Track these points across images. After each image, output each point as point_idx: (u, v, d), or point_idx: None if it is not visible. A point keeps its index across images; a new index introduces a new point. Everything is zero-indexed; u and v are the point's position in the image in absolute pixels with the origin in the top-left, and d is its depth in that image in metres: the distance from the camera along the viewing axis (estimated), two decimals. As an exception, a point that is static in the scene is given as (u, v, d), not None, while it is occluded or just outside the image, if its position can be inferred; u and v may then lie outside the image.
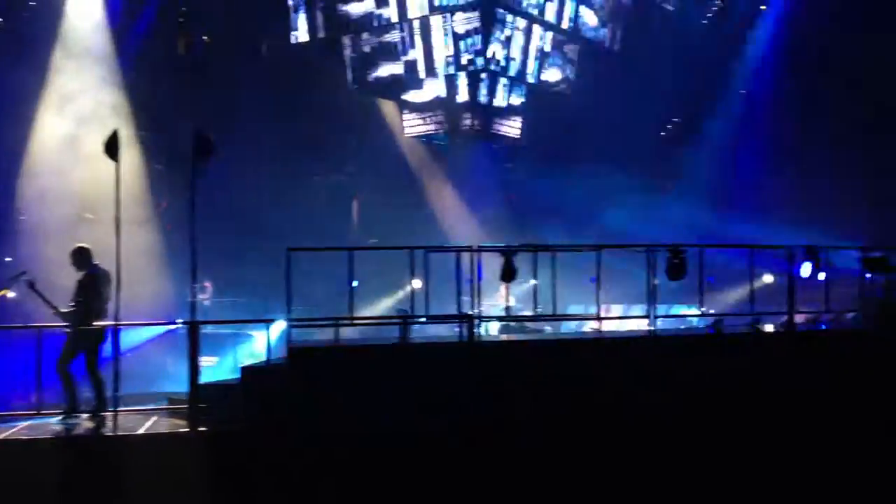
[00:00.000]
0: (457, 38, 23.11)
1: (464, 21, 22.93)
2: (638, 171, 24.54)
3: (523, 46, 23.78)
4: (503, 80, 24.06)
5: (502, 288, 13.49)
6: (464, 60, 23.24)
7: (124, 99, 19.78)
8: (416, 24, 23.66)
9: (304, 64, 24.77)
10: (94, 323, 10.25)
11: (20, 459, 8.90)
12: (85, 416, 10.19)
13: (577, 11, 24.73)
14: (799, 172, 21.48)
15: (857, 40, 20.72)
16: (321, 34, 24.88)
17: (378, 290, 22.00)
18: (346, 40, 24.79)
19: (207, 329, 15.77)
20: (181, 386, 10.35)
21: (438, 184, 26.34)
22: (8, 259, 17.64)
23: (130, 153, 18.49)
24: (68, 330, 10.23)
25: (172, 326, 15.83)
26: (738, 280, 16.46)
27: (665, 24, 26.13)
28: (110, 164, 9.96)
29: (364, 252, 12.38)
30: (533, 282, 12.06)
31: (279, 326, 10.94)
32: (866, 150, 20.93)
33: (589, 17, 25.10)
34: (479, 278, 11.56)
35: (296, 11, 24.98)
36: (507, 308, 12.79)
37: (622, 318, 12.73)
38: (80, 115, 18.84)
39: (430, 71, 23.92)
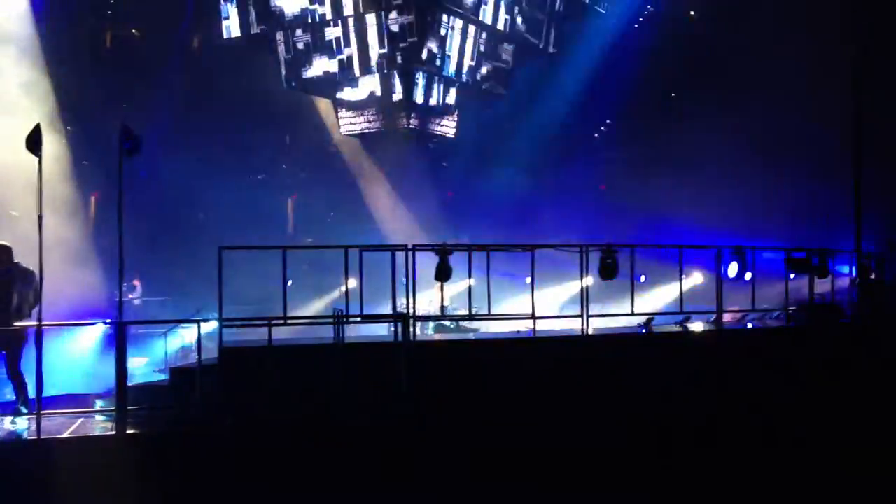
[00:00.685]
0: (392, 36, 23.04)
1: (399, 19, 22.88)
2: (571, 170, 24.86)
3: (459, 46, 23.84)
4: (439, 79, 24.09)
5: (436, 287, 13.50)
6: (399, 59, 23.19)
7: (49, 92, 19.18)
8: (350, 21, 23.52)
9: (236, 60, 24.43)
10: (15, 323, 9.93)
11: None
12: (7, 419, 9.87)
13: (512, 13, 24.89)
14: (725, 175, 21.93)
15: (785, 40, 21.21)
16: (254, 29, 24.54)
17: (313, 289, 21.88)
18: (280, 36, 24.50)
19: (137, 329, 15.54)
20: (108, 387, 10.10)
21: (375, 182, 26.27)
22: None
23: (54, 148, 17.99)
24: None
25: (101, 327, 15.47)
26: (669, 279, 16.76)
27: (599, 26, 26.48)
28: (33, 158, 9.65)
29: (299, 251, 12.27)
30: (471, 282, 12.10)
31: (210, 326, 10.76)
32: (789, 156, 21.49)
33: (524, 19, 25.27)
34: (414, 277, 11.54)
35: (227, 4, 24.59)
36: (443, 308, 12.80)
37: (556, 318, 12.82)
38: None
39: (366, 69, 23.80)
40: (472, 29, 23.97)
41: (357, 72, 23.91)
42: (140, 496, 8.88)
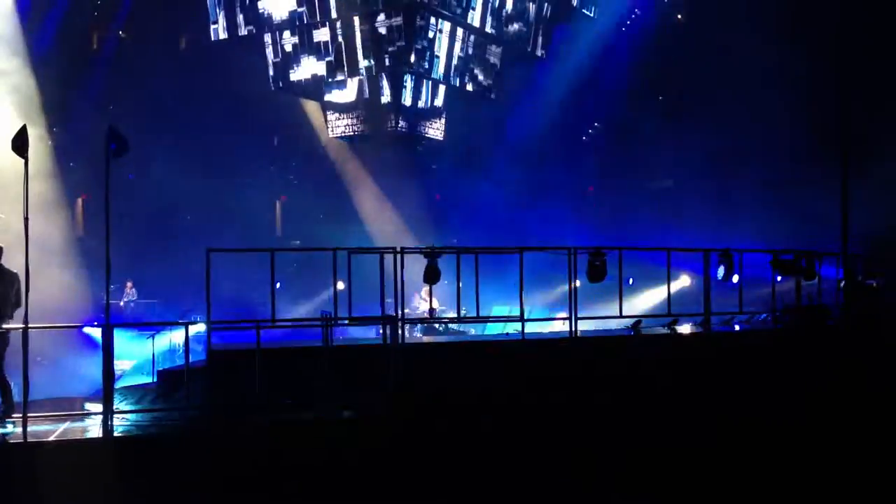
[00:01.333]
0: (380, 39, 23.01)
1: (388, 22, 22.85)
2: (559, 173, 24.91)
3: (447, 48, 23.84)
4: (427, 82, 24.08)
5: (425, 290, 13.50)
6: (387, 62, 23.17)
7: (35, 93, 19.07)
8: (338, 23, 23.48)
9: (223, 62, 24.36)
10: (2, 326, 9.85)
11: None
12: (-8, 422, 9.78)
13: (500, 16, 24.92)
14: (718, 178, 22.05)
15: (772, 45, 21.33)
16: (241, 31, 24.48)
17: (302, 291, 21.82)
18: (267, 38, 24.44)
19: (124, 331, 15.46)
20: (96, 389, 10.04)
21: (363, 184, 26.24)
22: None
23: (41, 150, 17.88)
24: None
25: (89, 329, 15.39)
26: (657, 281, 16.79)
27: (587, 29, 26.56)
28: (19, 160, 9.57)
29: (287, 253, 12.24)
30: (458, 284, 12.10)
31: (198, 329, 10.71)
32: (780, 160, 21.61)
33: (512, 22, 25.30)
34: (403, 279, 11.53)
35: (215, 8, 24.52)
36: (431, 310, 12.78)
37: (544, 320, 12.84)
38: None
39: (354, 71, 23.77)
40: (459, 32, 23.98)
41: (345, 74, 23.87)
42: (127, 499, 8.82)
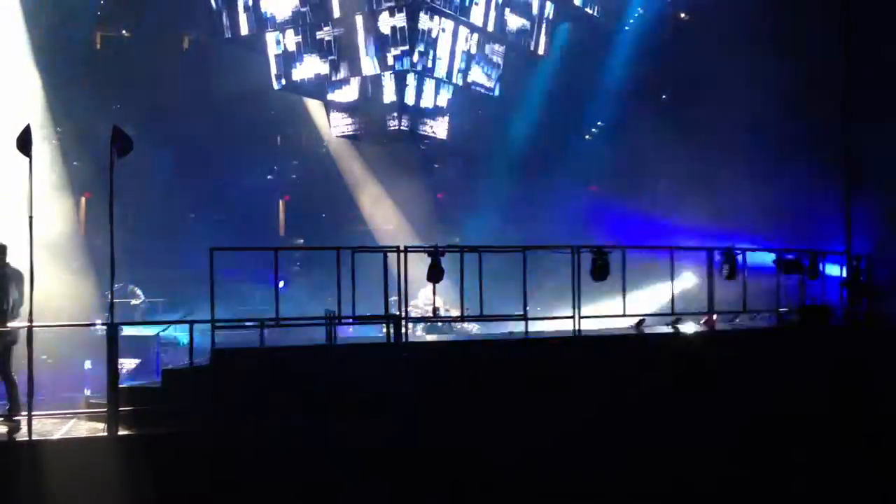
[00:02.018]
0: (383, 38, 23.01)
1: (390, 21, 22.85)
2: (563, 171, 24.89)
3: (450, 48, 23.82)
4: (429, 81, 24.07)
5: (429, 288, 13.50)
6: (390, 60, 23.16)
7: (40, 93, 19.14)
8: (341, 22, 23.47)
9: (226, 60, 24.38)
10: (9, 324, 9.88)
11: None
12: (-2, 420, 9.82)
13: (502, 14, 24.91)
14: (717, 177, 21.99)
15: (772, 43, 21.32)
16: (244, 31, 24.49)
17: (306, 290, 21.84)
18: (270, 37, 24.45)
19: (129, 330, 15.49)
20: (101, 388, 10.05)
21: (366, 184, 26.26)
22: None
23: (45, 149, 17.94)
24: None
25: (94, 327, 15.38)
26: (660, 280, 16.78)
27: (589, 28, 26.56)
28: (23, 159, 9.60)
29: (290, 252, 12.24)
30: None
31: (202, 328, 10.73)
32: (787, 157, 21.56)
33: (514, 21, 25.29)
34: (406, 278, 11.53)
35: (218, 7, 24.54)
36: (435, 309, 12.79)
37: (547, 319, 12.81)
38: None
39: (356, 71, 23.76)
40: (462, 31, 23.96)
41: (348, 73, 23.87)
42: (132, 498, 8.85)
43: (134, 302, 19.24)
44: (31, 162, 9.52)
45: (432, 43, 23.17)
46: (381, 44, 22.98)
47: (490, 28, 24.56)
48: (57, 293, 13.31)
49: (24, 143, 9.53)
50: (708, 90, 22.59)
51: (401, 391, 9.93)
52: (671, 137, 23.08)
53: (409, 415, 9.85)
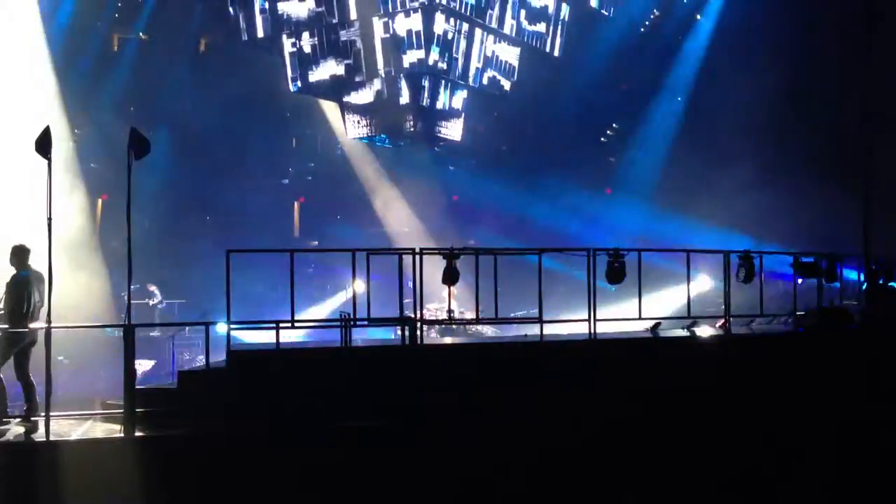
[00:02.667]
0: (399, 40, 23.05)
1: (406, 23, 22.89)
2: (578, 174, 24.85)
3: (465, 50, 23.84)
4: (445, 83, 24.08)
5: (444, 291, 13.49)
6: (406, 63, 23.20)
7: (57, 95, 19.25)
8: (357, 25, 23.53)
9: (243, 63, 24.48)
10: (29, 326, 9.94)
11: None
12: (15, 420, 9.87)
13: (518, 17, 24.91)
14: (735, 180, 21.91)
15: (791, 50, 21.25)
16: (261, 33, 24.59)
17: (321, 292, 21.91)
18: (287, 40, 24.54)
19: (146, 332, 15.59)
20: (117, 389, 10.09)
21: (381, 185, 26.28)
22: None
23: (63, 149, 18.03)
24: (-2, 333, 9.89)
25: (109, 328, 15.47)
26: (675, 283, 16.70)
27: (605, 31, 26.50)
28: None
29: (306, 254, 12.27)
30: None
31: (219, 329, 10.75)
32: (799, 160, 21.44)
33: (530, 23, 25.28)
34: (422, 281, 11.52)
35: (234, 10, 24.66)
36: (450, 311, 12.76)
37: (563, 322, 12.75)
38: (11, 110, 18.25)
39: (372, 73, 23.82)
40: (478, 33, 23.98)
41: (363, 75, 23.93)
42: (147, 499, 8.88)
43: (152, 302, 19.34)
44: (49, 164, 9.56)
45: (448, 45, 23.19)
46: (397, 46, 23.04)
47: (506, 30, 24.58)
48: (73, 294, 13.40)
49: (44, 144, 9.56)
50: (726, 94, 22.51)
51: (416, 393, 9.92)
52: (687, 140, 23.03)
53: (422, 416, 9.84)
